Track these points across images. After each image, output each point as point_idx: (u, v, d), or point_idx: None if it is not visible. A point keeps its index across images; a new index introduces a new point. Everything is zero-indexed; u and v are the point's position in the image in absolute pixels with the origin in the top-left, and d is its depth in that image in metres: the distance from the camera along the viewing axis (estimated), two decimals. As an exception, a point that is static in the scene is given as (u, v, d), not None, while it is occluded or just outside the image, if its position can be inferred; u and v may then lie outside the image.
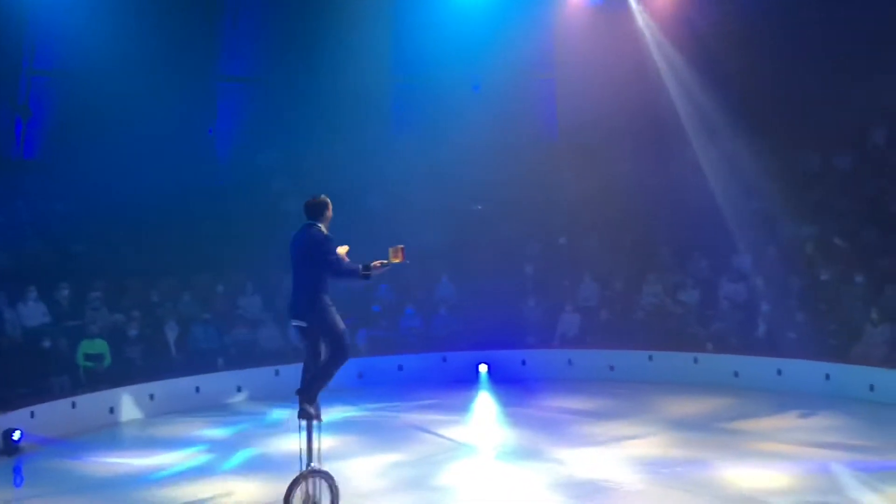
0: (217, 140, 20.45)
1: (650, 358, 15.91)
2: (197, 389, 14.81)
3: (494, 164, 18.88)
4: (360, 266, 8.42)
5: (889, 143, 17.99)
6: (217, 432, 13.14)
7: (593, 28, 19.10)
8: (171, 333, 15.54)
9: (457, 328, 16.83)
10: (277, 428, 13.38)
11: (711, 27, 18.60)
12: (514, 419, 13.49)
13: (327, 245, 8.43)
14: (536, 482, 10.43)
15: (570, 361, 16.30)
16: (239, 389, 15.14)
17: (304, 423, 8.56)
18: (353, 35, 19.17)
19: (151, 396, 14.36)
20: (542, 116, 21.64)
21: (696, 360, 15.64)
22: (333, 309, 8.48)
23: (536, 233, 18.54)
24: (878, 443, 11.64)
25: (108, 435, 13.29)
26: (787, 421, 12.94)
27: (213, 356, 15.47)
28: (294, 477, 8.47)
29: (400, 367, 16.25)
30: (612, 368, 16.02)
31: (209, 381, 14.98)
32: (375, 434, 12.80)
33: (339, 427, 13.33)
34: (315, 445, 8.49)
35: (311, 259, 8.41)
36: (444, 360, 16.32)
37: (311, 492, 8.45)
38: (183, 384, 14.72)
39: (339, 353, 8.51)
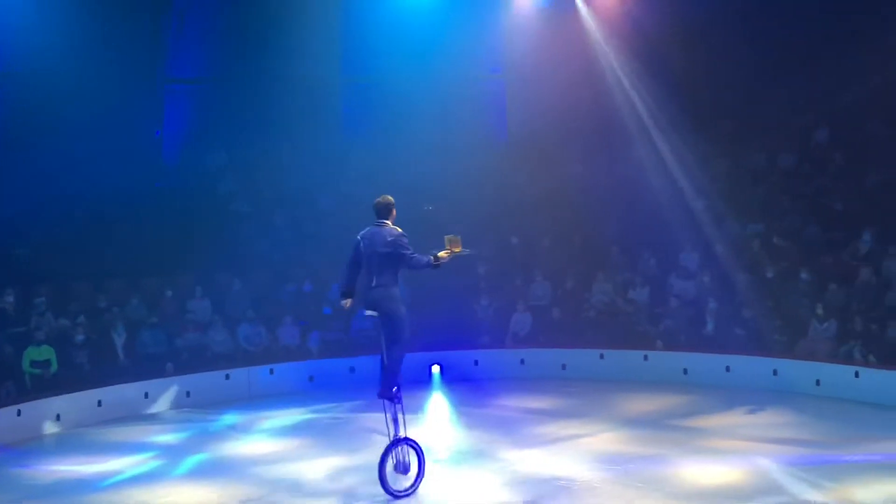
0: (164, 142, 20.23)
1: (601, 356, 16.03)
2: (146, 395, 14.63)
3: (446, 165, 18.93)
4: (431, 257, 9.40)
5: (831, 143, 18.30)
6: (167, 438, 12.98)
7: (542, 29, 19.23)
8: (119, 338, 15.33)
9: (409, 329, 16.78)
10: (228, 432, 13.28)
11: (658, 28, 18.83)
12: (468, 419, 13.50)
13: (404, 241, 9.40)
14: (491, 481, 10.44)
15: (522, 361, 16.36)
16: (188, 394, 14.98)
17: (387, 402, 9.61)
18: (302, 35, 19.08)
19: (99, 402, 14.14)
20: (492, 117, 21.71)
21: (646, 358, 15.79)
22: (402, 302, 9.55)
23: (488, 233, 18.57)
24: (824, 437, 11.86)
25: (55, 442, 13.08)
26: (737, 417, 13.11)
27: (162, 361, 15.29)
28: (385, 446, 9.68)
29: (352, 369, 16.18)
30: (564, 367, 16.10)
31: (158, 387, 14.80)
32: (327, 436, 12.73)
33: (291, 430, 13.28)
34: (400, 419, 9.63)
35: (388, 254, 9.33)
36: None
37: (400, 457, 9.67)
38: (131, 390, 14.53)
39: (401, 345, 9.59)
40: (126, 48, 18.23)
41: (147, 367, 15.10)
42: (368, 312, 9.52)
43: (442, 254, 9.41)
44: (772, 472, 10.38)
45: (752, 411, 13.31)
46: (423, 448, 9.90)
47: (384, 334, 9.53)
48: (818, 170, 17.99)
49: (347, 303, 9.81)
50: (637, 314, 16.55)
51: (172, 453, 12.15)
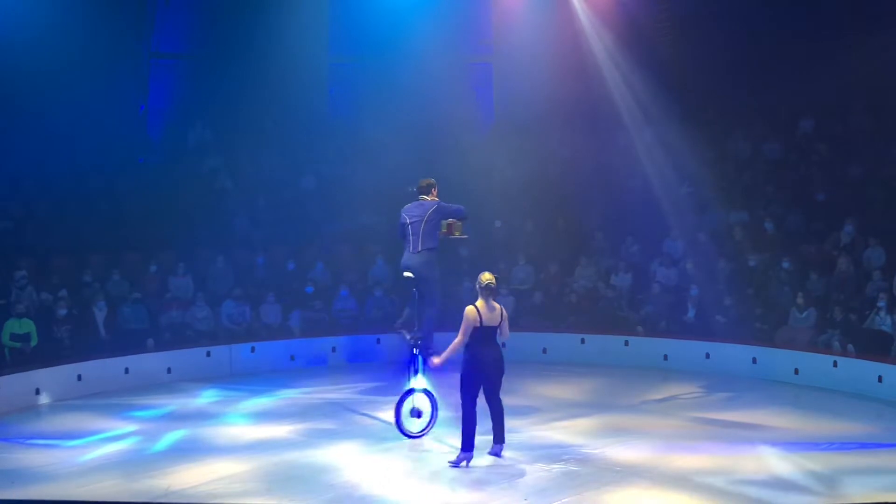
0: (149, 117, 20.12)
1: (582, 341, 16.10)
2: (126, 370, 14.59)
3: (430, 147, 18.84)
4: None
5: (816, 134, 18.35)
6: (146, 414, 12.95)
7: (532, 12, 19.18)
8: (100, 313, 15.26)
9: (391, 310, 16.78)
10: (208, 410, 13.26)
11: (647, 15, 18.82)
12: (446, 400, 13.47)
13: (441, 204, 11.00)
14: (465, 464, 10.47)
15: (503, 344, 16.31)
16: (169, 371, 14.95)
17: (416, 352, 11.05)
18: (289, 13, 18.99)
19: (79, 377, 14.10)
20: (479, 99, 21.69)
21: (626, 343, 15.85)
22: (438, 268, 11.04)
23: (471, 215, 18.49)
24: (802, 425, 11.95)
25: (34, 416, 13.01)
26: (715, 403, 13.19)
27: (143, 337, 15.25)
28: (403, 392, 11.00)
29: (333, 349, 16.21)
30: (545, 351, 16.16)
31: (139, 362, 14.77)
32: (308, 415, 12.72)
33: (271, 409, 13.25)
34: (420, 373, 11.02)
35: (429, 222, 10.84)
36: (378, 342, 16.29)
37: (415, 404, 10.98)
38: (112, 365, 14.49)
39: (434, 306, 11.06)
40: (112, 22, 18.12)
41: (128, 342, 15.05)
42: (406, 274, 10.83)
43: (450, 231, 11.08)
44: (748, 459, 10.46)
45: (730, 398, 13.40)
46: (436, 397, 11.10)
47: (420, 295, 10.91)
48: (803, 160, 18.05)
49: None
50: (618, 299, 16.60)
51: (151, 429, 12.11)
